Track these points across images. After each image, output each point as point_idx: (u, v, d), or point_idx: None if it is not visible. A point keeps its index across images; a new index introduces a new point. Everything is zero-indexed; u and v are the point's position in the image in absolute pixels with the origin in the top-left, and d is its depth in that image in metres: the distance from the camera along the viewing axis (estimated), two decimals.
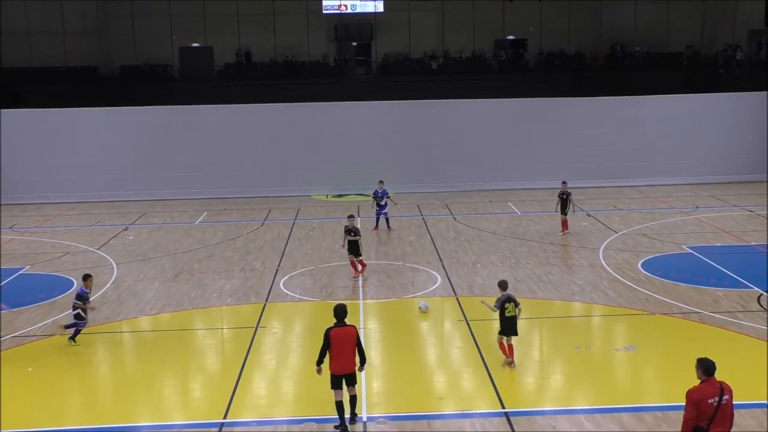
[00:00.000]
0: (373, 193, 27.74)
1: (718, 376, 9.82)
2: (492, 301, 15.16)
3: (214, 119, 35.67)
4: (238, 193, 35.20)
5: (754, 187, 33.83)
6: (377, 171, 33.91)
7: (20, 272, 23.04)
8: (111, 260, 24.18)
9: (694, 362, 9.92)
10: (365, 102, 36.29)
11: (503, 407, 13.17)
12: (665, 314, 17.74)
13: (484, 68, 41.27)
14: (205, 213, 31.89)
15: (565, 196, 25.85)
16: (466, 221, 28.98)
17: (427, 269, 22.24)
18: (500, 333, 14.99)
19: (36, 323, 18.09)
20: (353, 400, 12.52)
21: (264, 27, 41.04)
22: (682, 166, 36.08)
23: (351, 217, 22.10)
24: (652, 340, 16.32)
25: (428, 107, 36.12)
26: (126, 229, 28.96)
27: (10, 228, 29.45)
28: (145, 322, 18.36)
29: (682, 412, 9.77)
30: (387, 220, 27.61)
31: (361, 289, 20.52)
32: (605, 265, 22.13)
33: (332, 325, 12.38)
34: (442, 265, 22.63)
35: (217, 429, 12.68)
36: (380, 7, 41.53)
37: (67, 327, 16.71)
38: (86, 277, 17.15)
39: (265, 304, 19.30)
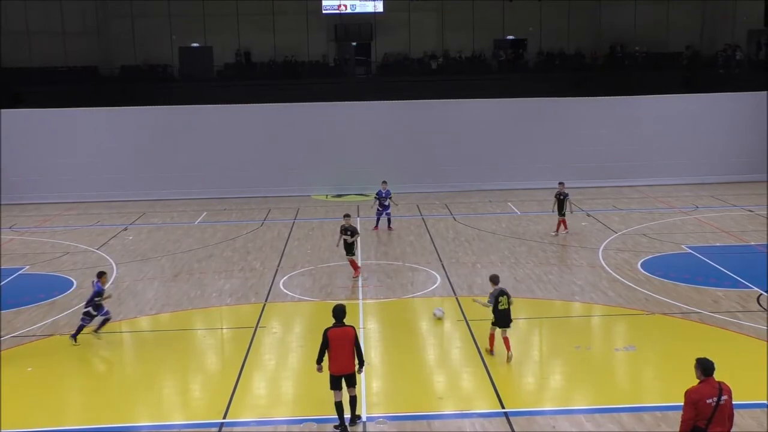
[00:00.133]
0: (377, 193, 27.74)
1: (718, 376, 9.82)
2: (485, 299, 15.51)
3: (214, 119, 35.68)
4: (237, 193, 35.20)
5: (754, 187, 33.84)
6: (377, 171, 33.96)
7: (20, 272, 23.04)
8: (110, 260, 24.17)
9: (694, 362, 9.93)
10: (365, 102, 36.29)
11: (503, 407, 13.17)
12: (665, 314, 17.74)
13: (483, 68, 41.26)
14: (205, 213, 31.89)
15: (561, 197, 25.83)
16: (466, 221, 28.98)
17: (427, 269, 22.24)
18: (493, 324, 15.32)
19: (35, 323, 18.09)
20: (353, 401, 12.50)
21: (264, 27, 41.04)
22: (682, 165, 36.10)
23: (347, 216, 22.00)
24: (652, 340, 16.33)
25: (428, 107, 36.13)
26: (125, 229, 28.96)
27: (10, 228, 29.44)
28: (144, 322, 18.36)
29: (681, 412, 9.77)
30: (389, 220, 27.61)
31: (360, 289, 20.52)
32: (605, 265, 22.13)
33: (331, 325, 12.37)
34: (442, 265, 22.64)
35: (216, 429, 12.68)
36: (380, 7, 41.54)
37: (75, 334, 16.65)
38: (101, 274, 17.14)
39: (264, 304, 19.30)
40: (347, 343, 12.23)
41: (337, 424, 12.39)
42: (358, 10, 41.60)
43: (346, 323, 12.46)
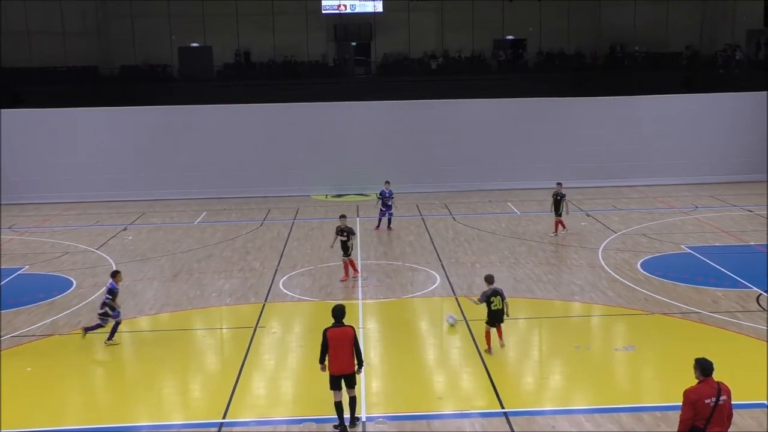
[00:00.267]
0: (380, 193, 27.73)
1: (718, 376, 9.82)
2: (477, 297, 15.87)
3: (214, 119, 35.67)
4: (237, 193, 35.20)
5: (754, 187, 33.85)
6: (377, 171, 34.01)
7: (19, 272, 23.03)
8: (110, 260, 24.17)
9: (693, 362, 9.93)
10: (364, 102, 36.29)
11: (502, 407, 13.17)
12: (664, 314, 17.74)
13: (483, 68, 41.26)
14: (204, 213, 31.89)
15: (558, 198, 25.81)
16: (466, 221, 28.98)
17: (427, 269, 22.24)
18: (487, 323, 15.64)
19: (35, 323, 18.09)
20: (352, 402, 12.47)
21: (263, 27, 41.04)
22: (681, 166, 36.11)
23: (343, 217, 21.92)
24: (652, 340, 16.33)
25: (427, 107, 36.14)
26: (125, 229, 28.96)
27: (9, 228, 29.44)
28: (144, 322, 18.36)
29: (680, 412, 9.78)
30: (389, 220, 27.60)
31: (360, 289, 20.51)
32: (604, 265, 22.13)
33: (330, 325, 12.37)
34: (442, 265, 22.64)
35: (216, 429, 12.68)
36: (379, 7, 41.54)
37: (89, 329, 16.70)
38: (115, 273, 17.07)
39: (264, 304, 19.30)
40: (346, 343, 12.22)
41: (336, 424, 12.39)
42: (357, 10, 41.61)
43: (345, 323, 12.45)
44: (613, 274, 21.21)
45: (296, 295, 20.01)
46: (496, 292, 15.51)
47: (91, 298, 20.07)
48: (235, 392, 14.00)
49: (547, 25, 41.68)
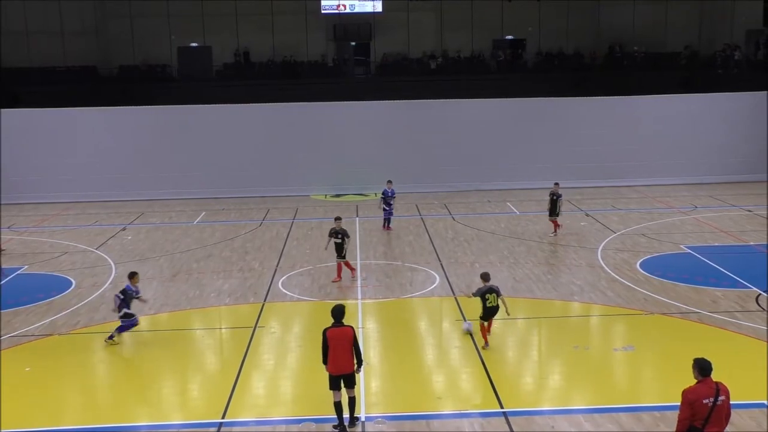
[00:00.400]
0: (382, 193, 27.73)
1: (717, 375, 9.82)
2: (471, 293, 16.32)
3: (213, 119, 35.66)
4: (236, 193, 35.19)
5: (753, 187, 33.86)
6: (376, 171, 34.09)
7: (18, 272, 23.01)
8: (109, 260, 24.16)
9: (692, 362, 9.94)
10: (364, 102, 36.29)
11: (502, 407, 13.16)
12: (664, 314, 17.74)
13: (482, 68, 41.26)
14: (204, 213, 31.88)
15: (555, 198, 25.81)
16: (465, 221, 28.98)
17: (426, 269, 22.24)
18: (481, 318, 15.93)
19: (34, 323, 18.08)
20: (352, 402, 12.46)
21: (262, 27, 41.02)
22: (680, 166, 36.13)
23: (338, 219, 21.87)
24: (651, 340, 16.33)
25: (427, 107, 36.13)
26: (124, 229, 28.94)
27: (9, 228, 29.41)
28: (143, 322, 18.25)
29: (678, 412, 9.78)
30: (389, 219, 27.58)
31: (359, 289, 20.51)
32: (604, 265, 22.14)
33: (329, 325, 12.36)
34: (441, 264, 22.63)
35: (215, 429, 12.67)
36: (379, 7, 41.52)
37: (114, 335, 16.62)
38: (132, 275, 17.04)
39: (263, 304, 19.29)
40: (346, 343, 12.21)
41: (335, 424, 12.38)
42: (357, 10, 41.58)
43: (344, 323, 12.45)
44: (612, 274, 21.21)
45: (295, 295, 20.01)
46: (492, 290, 15.78)
47: (90, 298, 20.09)
48: (235, 392, 13.99)
49: (546, 25, 41.70)
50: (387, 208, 27.52)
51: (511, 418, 12.72)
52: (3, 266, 19.53)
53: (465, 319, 17.46)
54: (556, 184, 26.22)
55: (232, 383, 14.36)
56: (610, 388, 14.07)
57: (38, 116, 34.99)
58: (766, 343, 15.63)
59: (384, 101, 36.30)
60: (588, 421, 12.56)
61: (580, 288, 20.09)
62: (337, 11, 41.57)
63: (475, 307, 16.13)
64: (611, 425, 12.39)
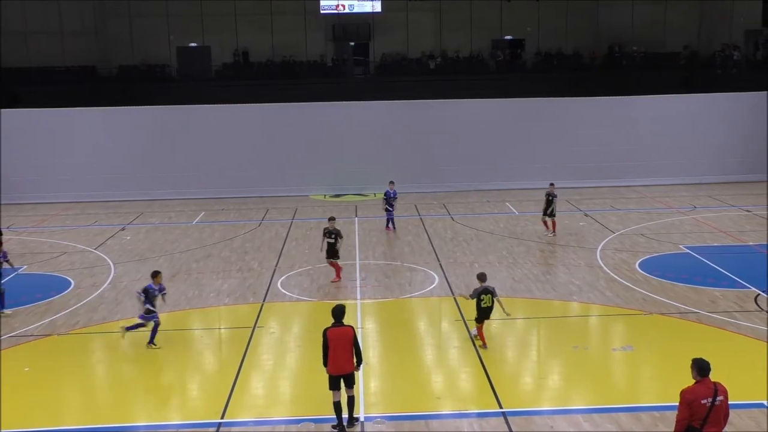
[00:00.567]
0: (385, 194, 27.71)
1: (716, 375, 9.83)
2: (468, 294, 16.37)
3: (212, 119, 35.66)
4: (235, 193, 35.20)
5: (752, 187, 33.89)
6: (375, 171, 34.12)
7: (17, 272, 22.97)
8: (108, 260, 24.16)
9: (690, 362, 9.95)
10: (363, 102, 36.30)
11: (501, 407, 13.17)
12: (662, 314, 17.75)
13: (481, 68, 41.27)
14: (203, 213, 31.88)
15: (550, 198, 25.81)
16: (464, 221, 28.99)
17: (425, 269, 22.24)
18: (476, 320, 15.94)
19: (33, 323, 18.08)
20: (351, 401, 12.46)
21: (262, 27, 41.01)
22: (680, 166, 36.15)
23: (331, 219, 21.84)
24: (650, 340, 16.34)
25: (426, 107, 36.14)
26: (123, 229, 28.94)
27: (8, 228, 29.35)
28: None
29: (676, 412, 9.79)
30: (390, 221, 27.53)
31: (358, 289, 20.52)
32: (603, 265, 22.15)
33: (329, 325, 12.37)
34: (440, 265, 22.64)
35: (214, 429, 12.67)
36: (378, 7, 41.51)
37: (129, 328, 16.61)
38: (156, 274, 16.96)
39: (262, 304, 19.30)
40: (346, 343, 12.21)
41: (335, 423, 12.39)
42: (356, 10, 41.57)
43: (344, 323, 12.45)
44: (611, 274, 21.22)
45: (294, 295, 20.01)
46: (487, 290, 15.81)
47: (89, 298, 20.09)
48: (234, 392, 14.00)
49: (545, 25, 41.69)
50: (390, 209, 27.46)
51: (510, 418, 12.73)
52: (5, 267, 19.44)
53: (464, 319, 17.47)
54: (552, 184, 26.23)
55: (231, 383, 14.36)
56: (609, 388, 14.08)
57: (37, 116, 35.00)
58: (765, 343, 15.64)
59: (383, 101, 36.31)
60: (587, 421, 12.56)
61: (578, 288, 20.10)
62: (336, 11, 41.56)
63: (474, 307, 16.11)
64: (610, 425, 12.40)
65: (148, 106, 35.80)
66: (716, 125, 36.14)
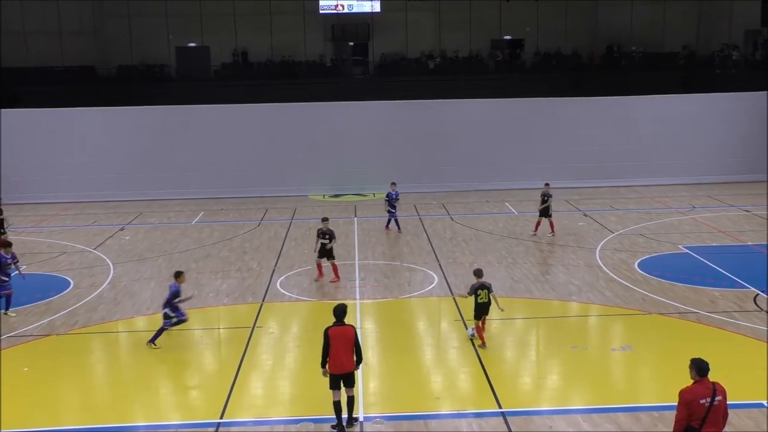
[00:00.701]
0: (387, 195, 27.65)
1: (715, 375, 9.83)
2: (465, 293, 16.46)
3: (211, 119, 35.65)
4: (234, 193, 35.18)
5: (751, 187, 33.90)
6: (374, 171, 34.13)
7: (16, 272, 22.93)
8: (107, 260, 24.15)
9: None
10: (362, 102, 36.30)
11: (500, 407, 13.17)
12: (662, 314, 17.76)
13: (481, 68, 41.29)
14: (202, 213, 31.87)
15: (546, 198, 25.79)
16: (463, 221, 28.99)
17: (424, 269, 22.24)
18: (475, 317, 15.98)
19: (32, 323, 18.07)
20: (350, 401, 12.45)
21: (261, 27, 41.01)
22: (679, 166, 36.15)
23: (325, 220, 21.78)
24: (649, 340, 16.34)
25: (425, 107, 36.14)
26: (122, 229, 28.93)
27: (7, 228, 29.30)
28: (141, 322, 18.33)
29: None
30: (393, 221, 27.45)
31: (357, 289, 20.51)
32: (602, 265, 22.15)
33: (331, 324, 12.37)
34: (439, 265, 22.64)
35: (213, 429, 12.67)
36: (377, 7, 41.54)
37: (154, 340, 16.47)
38: (178, 274, 16.85)
39: (261, 304, 19.29)
40: (347, 341, 12.22)
41: (334, 423, 12.39)
42: (355, 10, 41.60)
43: (346, 322, 12.46)
44: (610, 274, 21.22)
45: (294, 295, 20.01)
46: (484, 286, 15.92)
47: (89, 298, 20.07)
48: (233, 392, 13.99)
49: (544, 25, 41.72)
50: (392, 211, 27.39)
51: (509, 418, 12.73)
52: (11, 268, 19.35)
53: (463, 320, 17.46)
54: (547, 184, 26.23)
55: (231, 383, 14.36)
56: (608, 388, 14.08)
57: (37, 116, 34.98)
58: (764, 343, 15.64)
59: (382, 101, 36.31)
60: (586, 421, 12.57)
61: (578, 288, 20.10)
62: (335, 11, 41.57)
63: (473, 306, 16.11)
64: (609, 425, 12.40)
65: (147, 106, 35.78)
66: (715, 125, 36.16)
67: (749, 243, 24.53)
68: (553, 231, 25.96)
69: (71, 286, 21.23)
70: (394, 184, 27.66)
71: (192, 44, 41.73)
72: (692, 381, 9.79)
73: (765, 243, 24.25)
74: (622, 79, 37.97)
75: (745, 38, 41.22)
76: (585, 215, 29.32)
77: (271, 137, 35.66)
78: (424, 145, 35.80)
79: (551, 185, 26.43)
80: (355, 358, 12.34)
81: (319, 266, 21.34)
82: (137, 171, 35.38)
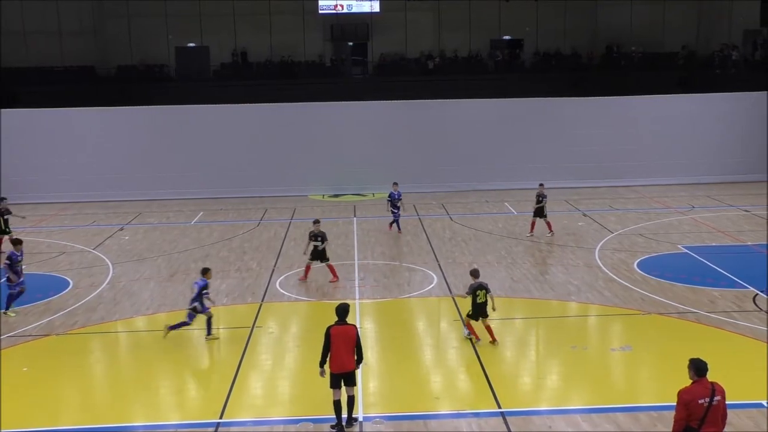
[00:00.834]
0: (389, 195, 27.57)
1: (714, 375, 9.84)
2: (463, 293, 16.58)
3: (211, 119, 35.64)
4: (234, 193, 35.17)
5: (750, 187, 33.90)
6: (374, 171, 34.13)
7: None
8: (107, 260, 24.14)
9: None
10: (361, 102, 36.28)
11: (499, 407, 13.17)
12: (661, 314, 17.76)
13: (480, 68, 41.30)
14: (201, 213, 31.86)
15: (540, 198, 25.78)
16: (463, 221, 28.99)
17: (424, 269, 22.24)
18: (469, 316, 16.17)
19: (31, 323, 18.05)
20: (351, 401, 12.45)
21: (260, 27, 41.04)
22: (678, 166, 36.15)
23: (317, 222, 21.60)
24: (648, 340, 16.35)
25: (425, 107, 36.13)
26: (122, 229, 28.92)
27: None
28: (140, 322, 18.34)
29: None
30: (395, 222, 27.37)
31: (357, 289, 20.51)
32: (601, 265, 22.15)
33: (333, 323, 12.37)
34: (439, 265, 22.63)
35: (213, 429, 12.67)
36: (376, 7, 41.57)
37: (173, 327, 16.63)
38: (205, 271, 17.06)
39: (261, 304, 19.29)
40: (348, 341, 12.23)
41: (334, 423, 12.39)
42: (354, 9, 41.63)
43: (348, 322, 12.46)
44: (609, 274, 21.23)
45: (293, 295, 20.01)
46: (482, 286, 15.98)
47: (88, 298, 20.07)
48: (232, 392, 13.99)
49: (543, 25, 41.76)
50: (395, 211, 27.31)
51: (508, 418, 12.73)
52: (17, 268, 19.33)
53: (463, 320, 17.45)
54: (541, 184, 26.22)
55: (230, 383, 14.36)
56: (608, 388, 14.08)
57: (36, 116, 34.95)
58: (763, 343, 15.64)
59: (382, 101, 36.30)
60: (585, 421, 12.57)
61: (577, 288, 20.10)
62: (334, 11, 41.60)
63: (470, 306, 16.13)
64: (609, 425, 12.41)
65: (147, 106, 35.76)
66: (715, 125, 36.15)
67: (749, 243, 24.54)
68: (551, 231, 25.95)
69: (70, 286, 21.22)
70: (396, 184, 27.60)
71: (191, 44, 41.74)
72: (691, 381, 9.80)
73: (764, 243, 24.26)
74: (621, 79, 37.98)
75: (745, 38, 41.24)
76: (584, 215, 29.32)
77: (271, 137, 35.65)
78: (424, 145, 35.79)
79: (546, 185, 26.43)
80: (355, 358, 12.34)
81: (308, 268, 21.29)
82: (136, 171, 35.37)
